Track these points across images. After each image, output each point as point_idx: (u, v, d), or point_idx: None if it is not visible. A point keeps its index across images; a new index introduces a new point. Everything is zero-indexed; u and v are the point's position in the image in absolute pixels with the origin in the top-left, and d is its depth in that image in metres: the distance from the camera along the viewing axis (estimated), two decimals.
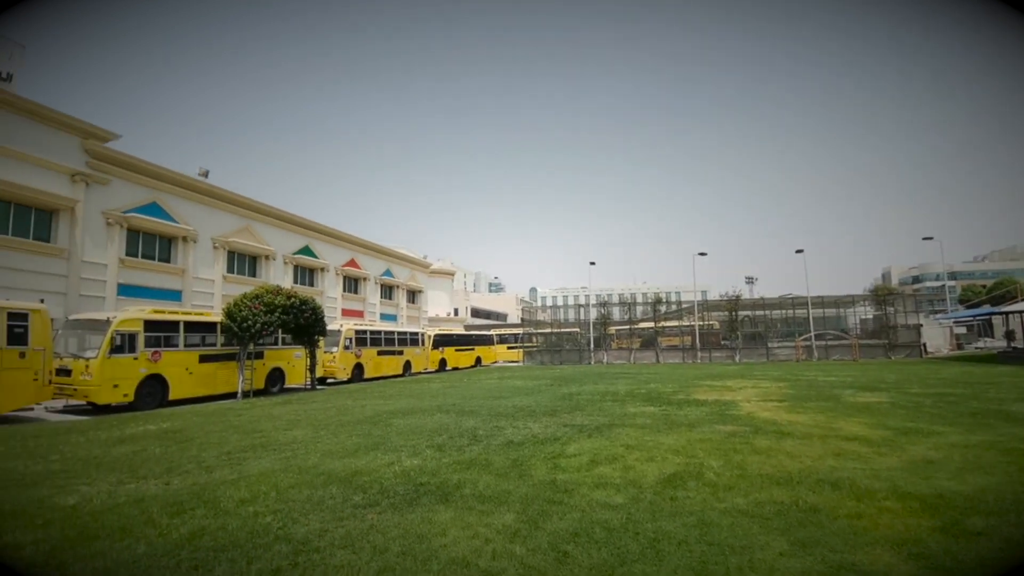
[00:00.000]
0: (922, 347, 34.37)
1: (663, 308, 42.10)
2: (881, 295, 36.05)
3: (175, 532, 4.30)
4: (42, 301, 13.64)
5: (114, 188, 20.07)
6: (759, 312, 40.73)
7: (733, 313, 37.52)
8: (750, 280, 75.37)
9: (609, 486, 5.37)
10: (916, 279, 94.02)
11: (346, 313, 33.85)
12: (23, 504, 5.15)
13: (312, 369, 19.29)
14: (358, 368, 23.48)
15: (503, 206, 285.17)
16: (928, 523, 4.20)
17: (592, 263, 43.81)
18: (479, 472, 6.01)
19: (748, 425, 9.01)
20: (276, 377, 18.70)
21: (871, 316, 38.55)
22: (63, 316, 16.15)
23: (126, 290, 20.16)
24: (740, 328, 38.45)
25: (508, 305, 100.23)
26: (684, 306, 46.14)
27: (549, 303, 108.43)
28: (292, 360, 19.48)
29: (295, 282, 29.62)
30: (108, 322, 13.77)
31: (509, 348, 44.12)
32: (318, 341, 19.36)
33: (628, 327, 41.62)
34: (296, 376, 19.57)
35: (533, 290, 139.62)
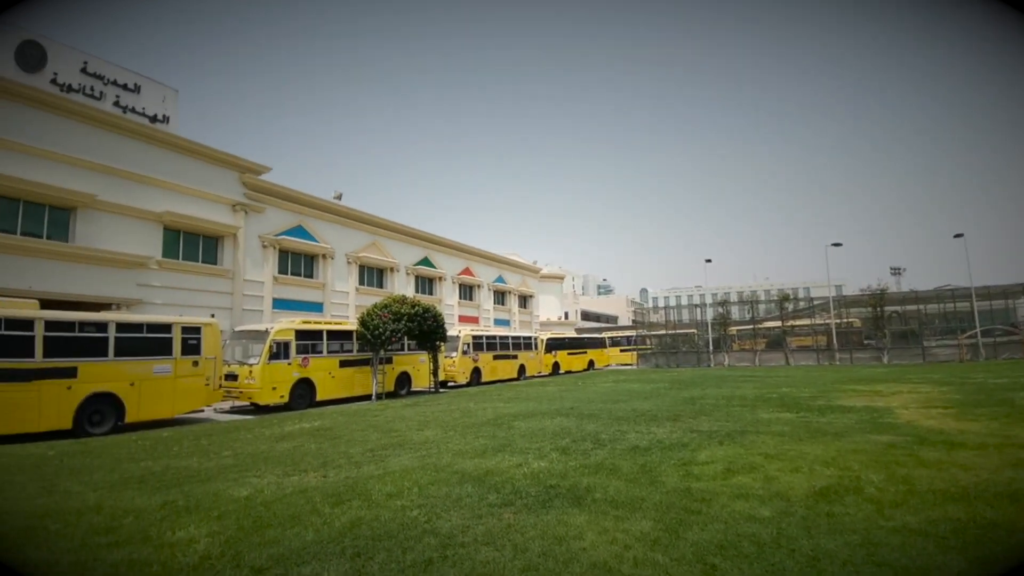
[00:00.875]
0: None
1: (790, 306, 38.87)
2: None
3: (337, 521, 4.75)
4: (213, 316, 15.89)
5: (267, 215, 22.95)
6: (910, 307, 35.98)
7: (878, 309, 33.50)
8: (896, 271, 67.16)
9: (751, 497, 5.11)
10: None
11: (462, 319, 35.38)
12: (199, 498, 5.77)
13: (435, 373, 20.43)
14: (476, 372, 24.40)
15: (612, 207, 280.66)
16: None
17: (708, 260, 41.73)
18: (607, 477, 6.01)
19: (910, 435, 8.10)
20: (404, 380, 20.05)
21: None
22: (229, 328, 18.65)
23: (279, 303, 22.88)
24: (888, 325, 34.25)
25: (618, 307, 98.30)
26: (816, 303, 42.20)
27: (661, 304, 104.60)
28: (417, 365, 20.77)
29: (416, 291, 31.59)
30: (267, 332, 15.71)
31: (622, 351, 43.28)
32: (440, 346, 20.46)
33: (751, 327, 38.92)
34: (421, 379, 20.83)
35: (643, 291, 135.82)
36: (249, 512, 5.14)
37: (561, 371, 32.52)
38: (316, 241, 25.10)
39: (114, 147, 17.65)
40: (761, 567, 3.54)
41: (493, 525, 4.48)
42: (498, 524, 4.50)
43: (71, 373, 11.23)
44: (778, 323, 38.07)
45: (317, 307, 24.83)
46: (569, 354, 33.84)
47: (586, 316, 77.73)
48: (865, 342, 35.74)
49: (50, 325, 11.07)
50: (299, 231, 24.37)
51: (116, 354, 11.99)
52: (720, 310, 40.02)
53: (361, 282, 27.93)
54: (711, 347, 36.99)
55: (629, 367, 38.80)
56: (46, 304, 12.00)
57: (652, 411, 11.93)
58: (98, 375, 11.64)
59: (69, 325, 11.48)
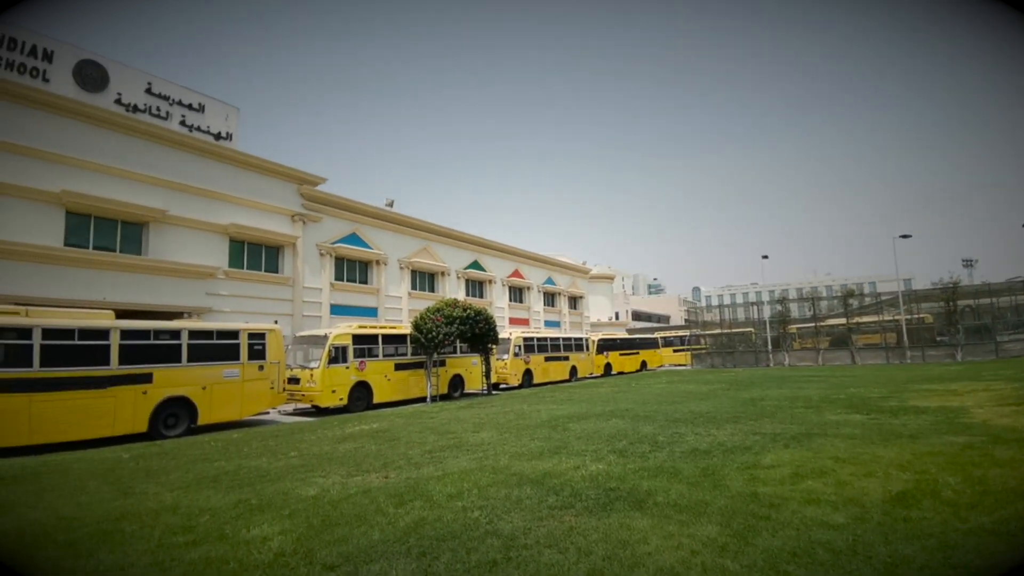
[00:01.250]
0: None
1: (855, 302, 36.82)
2: None
3: (401, 521, 4.85)
4: (276, 322, 16.61)
5: (324, 224, 23.84)
6: (983, 300, 33.41)
7: (951, 303, 31.22)
8: (968, 263, 62.44)
9: (823, 502, 4.88)
10: None
11: (513, 322, 35.50)
12: (270, 497, 6.01)
13: (487, 375, 20.59)
14: (527, 374, 24.41)
15: (662, 205, 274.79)
16: None
17: (765, 257, 40.17)
18: (668, 480, 5.87)
19: (984, 434, 7.70)
20: (457, 383, 20.31)
21: None
22: (291, 334, 19.45)
23: (336, 309, 23.70)
24: (960, 321, 31.89)
25: (670, 306, 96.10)
26: (883, 298, 39.77)
27: (715, 302, 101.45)
28: (470, 367, 20.99)
29: (467, 294, 31.96)
30: (326, 337, 16.29)
31: (675, 351, 42.24)
32: (491, 349, 20.61)
33: (813, 325, 37.08)
34: (474, 382, 21.03)
35: (696, 289, 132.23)
36: (317, 511, 5.32)
37: (613, 372, 32.09)
38: (370, 248, 25.86)
39: (182, 164, 18.80)
40: (837, 575, 3.37)
41: (555, 527, 4.45)
42: (559, 526, 4.47)
43: (147, 379, 11.98)
44: (842, 320, 36.11)
45: (372, 312, 25.54)
46: (621, 355, 33.35)
47: (637, 316, 76.41)
48: (937, 339, 33.40)
49: (125, 334, 11.83)
50: (354, 238, 25.18)
51: (189, 360, 12.72)
52: (779, 308, 38.39)
53: (413, 287, 28.54)
54: (770, 346, 35.52)
55: (683, 368, 37.85)
56: (121, 314, 12.83)
57: (710, 413, 11.60)
58: (172, 380, 12.38)
59: (144, 333, 12.25)
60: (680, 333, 46.78)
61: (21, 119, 15.18)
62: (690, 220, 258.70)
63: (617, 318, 59.16)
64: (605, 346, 31.86)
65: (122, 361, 11.62)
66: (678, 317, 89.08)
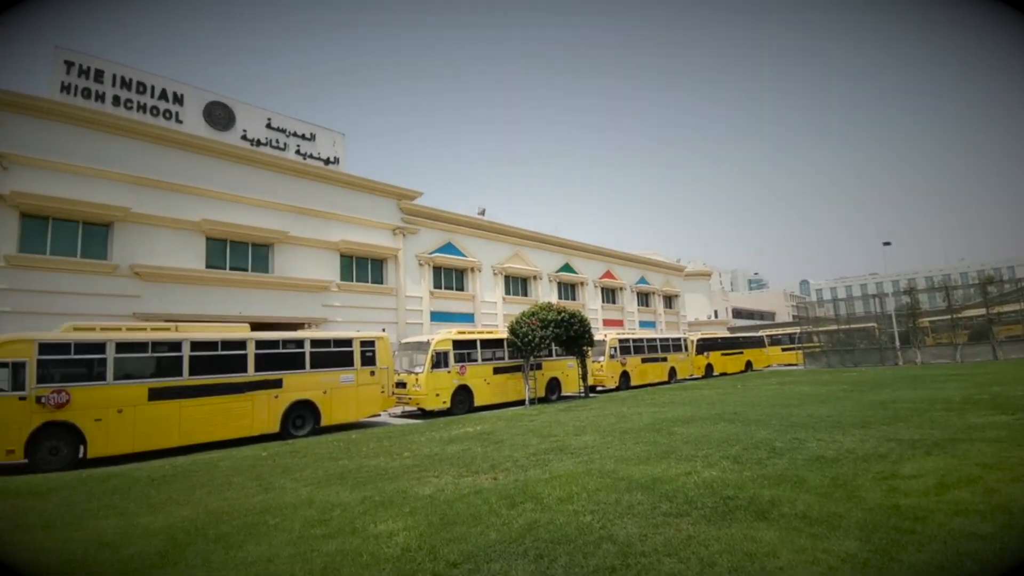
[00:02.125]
0: None
1: (994, 289, 32.23)
2: None
3: (515, 523, 4.96)
4: (384, 330, 17.66)
5: (421, 235, 25.09)
6: None
7: None
8: None
9: (972, 513, 4.41)
10: None
11: (606, 323, 34.99)
12: (391, 494, 6.36)
13: (584, 378, 20.46)
14: (624, 376, 23.94)
15: (761, 195, 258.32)
16: None
17: (886, 243, 36.53)
18: (793, 490, 5.51)
19: None
20: (554, 386, 20.38)
21: None
22: (396, 340, 20.58)
23: (435, 316, 24.79)
24: None
25: (775, 302, 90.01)
26: None
27: (827, 296, 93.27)
28: (566, 370, 20.98)
29: (559, 297, 32.01)
30: (428, 343, 17.06)
31: (784, 350, 39.35)
32: (587, 351, 20.46)
33: (948, 317, 32.84)
34: (570, 385, 20.99)
35: (804, 283, 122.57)
36: (435, 509, 5.60)
37: (715, 373, 30.61)
38: (464, 256, 26.76)
39: (299, 189, 20.68)
40: None
41: (672, 535, 4.35)
42: (677, 535, 4.36)
43: (278, 384, 13.24)
44: (981, 311, 31.67)
45: (468, 318, 26.37)
46: (723, 355, 31.71)
47: (738, 314, 72.22)
48: None
49: (259, 344, 13.18)
50: (449, 248, 26.19)
51: (311, 366, 13.90)
52: (906, 299, 34.51)
53: (507, 292, 29.08)
54: (898, 342, 32.02)
55: (794, 368, 35.19)
56: (253, 326, 14.26)
57: (833, 417, 10.72)
58: (298, 385, 13.58)
59: (274, 343, 13.57)
60: (789, 330, 43.44)
61: (163, 159, 17.43)
62: (795, 209, 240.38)
63: (716, 316, 56.34)
64: (705, 346, 30.47)
65: (257, 368, 12.94)
66: (785, 313, 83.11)
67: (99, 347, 10.96)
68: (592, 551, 4.12)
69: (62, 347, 10.60)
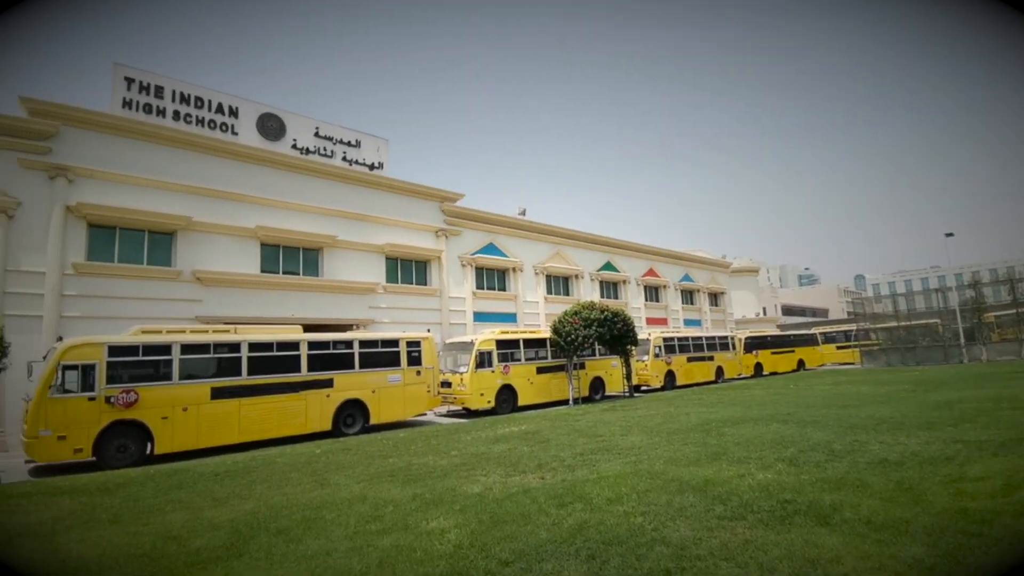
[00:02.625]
0: None
1: None
2: None
3: (564, 523, 4.96)
4: (428, 331, 17.94)
5: (463, 236, 25.35)
6: None
7: None
8: None
9: None
10: None
11: (650, 322, 34.40)
12: (440, 492, 6.48)
13: (628, 377, 20.20)
14: (669, 375, 23.52)
15: (809, 187, 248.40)
16: None
17: (948, 234, 34.25)
18: (855, 494, 5.29)
19: None
20: (598, 385, 20.22)
21: None
22: (440, 341, 20.86)
23: (478, 316, 24.97)
24: None
25: (827, 298, 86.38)
26: None
27: (884, 291, 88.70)
28: (609, 369, 20.78)
29: (601, 296, 31.68)
30: (472, 343, 17.24)
31: (839, 348, 37.66)
32: (631, 350, 20.19)
33: (1014, 311, 30.70)
34: (614, 384, 20.77)
35: (859, 278, 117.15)
36: (484, 508, 5.66)
37: (764, 373, 29.65)
38: (506, 256, 26.87)
39: (345, 195, 21.27)
40: None
41: (728, 539, 4.26)
42: (733, 538, 4.27)
43: (329, 383, 13.67)
44: None
45: (511, 318, 26.46)
46: (773, 353, 30.67)
47: (788, 311, 69.64)
48: None
49: (311, 345, 13.65)
50: (491, 248, 26.35)
51: (360, 366, 14.28)
52: (970, 293, 32.45)
53: (549, 291, 29.01)
54: (962, 339, 30.15)
55: (850, 367, 33.67)
56: (305, 328, 14.74)
57: (895, 418, 10.23)
58: (348, 384, 13.99)
59: (325, 344, 14.01)
60: (844, 327, 41.51)
61: (220, 169, 18.26)
62: (848, 201, 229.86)
63: (765, 313, 54.50)
64: (754, 344, 29.57)
65: (309, 369, 13.41)
66: (838, 310, 79.58)
67: (165, 349, 11.60)
68: (645, 553, 4.08)
69: (131, 349, 11.27)
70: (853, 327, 38.84)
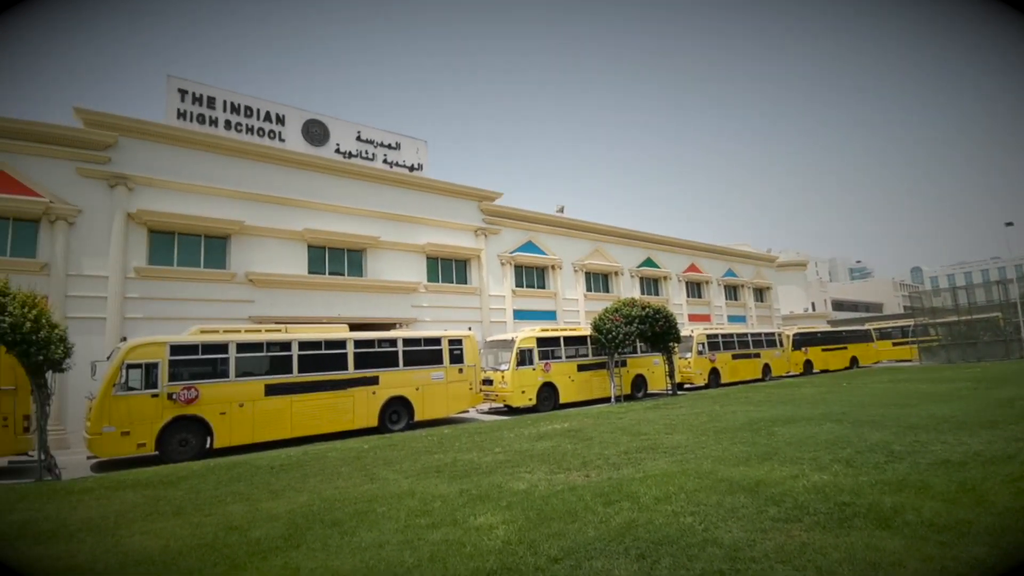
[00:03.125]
0: None
1: None
2: None
3: (612, 521, 4.96)
4: (470, 329, 18.14)
5: (502, 235, 25.49)
6: None
7: None
8: None
9: None
10: None
11: (692, 318, 33.70)
12: (486, 488, 6.56)
13: (671, 375, 19.89)
14: (714, 373, 23.02)
15: (859, 178, 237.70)
16: None
17: (1009, 224, 32.16)
18: (917, 496, 5.09)
19: None
20: (639, 383, 20.00)
21: None
22: (481, 339, 21.06)
23: (518, 314, 25.08)
24: None
25: (881, 292, 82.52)
26: None
27: (943, 284, 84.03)
28: (651, 367, 20.51)
29: (642, 292, 31.25)
30: (512, 341, 17.34)
31: (895, 344, 35.93)
32: (673, 348, 19.87)
33: None
34: (656, 382, 20.49)
35: (916, 270, 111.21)
36: (531, 504, 5.71)
37: (815, 370, 28.62)
38: (545, 254, 26.86)
39: (387, 196, 21.73)
40: None
41: (783, 542, 4.17)
42: (789, 541, 4.18)
43: (375, 381, 14.03)
44: None
45: (551, 315, 26.44)
46: (823, 350, 29.56)
47: (839, 306, 66.85)
48: None
49: (358, 343, 14.03)
50: (530, 246, 26.39)
51: (404, 364, 14.60)
52: None
53: (588, 288, 28.84)
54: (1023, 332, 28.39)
55: (908, 364, 32.11)
56: (351, 327, 15.16)
57: (957, 417, 9.73)
58: (393, 382, 14.32)
59: (370, 343, 14.38)
60: (900, 323, 39.55)
61: (269, 175, 18.96)
62: (901, 191, 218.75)
63: (814, 309, 52.55)
64: (803, 341, 28.59)
65: (356, 366, 13.80)
66: (894, 304, 75.95)
67: (223, 348, 12.17)
68: (697, 554, 4.05)
69: (191, 348, 11.87)
70: (910, 322, 36.97)
